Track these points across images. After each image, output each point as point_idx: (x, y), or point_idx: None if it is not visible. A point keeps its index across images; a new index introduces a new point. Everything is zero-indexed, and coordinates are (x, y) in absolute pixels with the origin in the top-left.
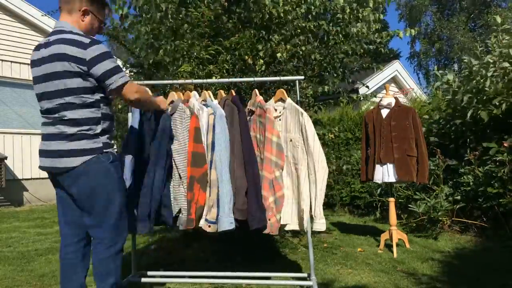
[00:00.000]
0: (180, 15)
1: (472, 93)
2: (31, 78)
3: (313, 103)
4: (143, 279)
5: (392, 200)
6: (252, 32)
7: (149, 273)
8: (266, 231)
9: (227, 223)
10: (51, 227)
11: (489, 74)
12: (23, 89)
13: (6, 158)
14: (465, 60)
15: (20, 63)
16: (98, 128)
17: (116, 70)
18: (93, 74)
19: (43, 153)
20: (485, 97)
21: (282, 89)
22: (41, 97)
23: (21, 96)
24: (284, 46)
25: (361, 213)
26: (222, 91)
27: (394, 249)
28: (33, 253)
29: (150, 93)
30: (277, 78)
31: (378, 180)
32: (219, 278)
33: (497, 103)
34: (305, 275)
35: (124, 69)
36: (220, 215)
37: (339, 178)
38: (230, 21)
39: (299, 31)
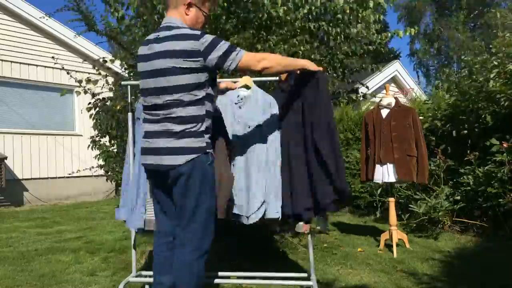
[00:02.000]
0: None
1: (474, 92)
2: (31, 78)
3: None
4: (143, 279)
5: (392, 200)
6: (251, 32)
7: (149, 273)
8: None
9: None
10: (51, 227)
11: (492, 75)
12: (23, 89)
13: (6, 158)
14: (465, 59)
15: (20, 63)
16: (203, 126)
17: (230, 50)
18: (209, 64)
19: (147, 151)
20: (488, 96)
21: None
22: (148, 92)
23: (21, 96)
24: (283, 46)
25: (361, 213)
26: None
27: (394, 249)
28: (33, 253)
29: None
30: (276, 78)
31: (378, 180)
32: (219, 278)
33: (503, 101)
34: (305, 275)
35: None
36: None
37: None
38: (229, 21)
39: (299, 31)
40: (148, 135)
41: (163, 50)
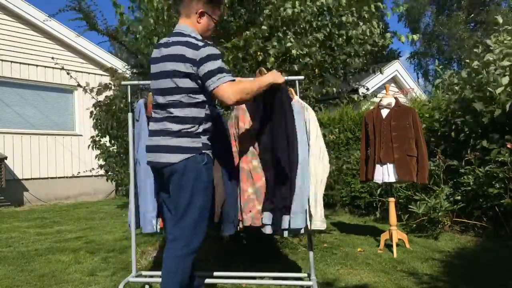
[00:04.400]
0: None
1: (474, 92)
2: (31, 78)
3: (313, 103)
4: (143, 279)
5: (392, 200)
6: (263, 28)
7: (149, 273)
8: (246, 224)
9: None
10: (51, 227)
11: (491, 76)
12: (23, 89)
13: (6, 158)
14: (466, 61)
15: (20, 63)
16: (200, 128)
17: (217, 71)
18: (199, 75)
19: (149, 149)
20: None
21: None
22: (155, 92)
23: (21, 96)
24: (297, 43)
25: (361, 213)
26: None
27: (394, 249)
28: (33, 253)
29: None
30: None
31: (378, 180)
32: (219, 278)
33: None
34: (305, 275)
35: (226, 71)
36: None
37: (339, 178)
38: (234, 21)
39: (308, 27)
40: (151, 133)
41: (169, 54)
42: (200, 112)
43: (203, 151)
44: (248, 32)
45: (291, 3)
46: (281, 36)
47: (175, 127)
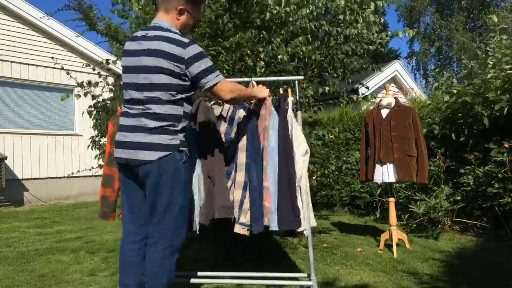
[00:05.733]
0: None
1: (473, 95)
2: (31, 78)
3: (313, 103)
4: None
5: (392, 200)
6: (253, 32)
7: None
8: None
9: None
10: (51, 227)
11: (489, 76)
12: (23, 89)
13: (6, 158)
14: (464, 61)
15: (20, 63)
16: (179, 126)
17: (211, 69)
18: (189, 73)
19: (120, 145)
20: (486, 99)
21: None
22: (129, 86)
23: (21, 96)
24: (285, 48)
25: (361, 213)
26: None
27: (394, 249)
28: (33, 253)
29: (245, 88)
30: (277, 78)
31: (378, 180)
32: (219, 278)
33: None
34: (305, 275)
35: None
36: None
37: (339, 178)
38: (231, 21)
39: (300, 31)
40: (123, 129)
41: (151, 48)
42: (179, 110)
43: (181, 149)
44: (237, 36)
45: (282, 8)
46: (267, 39)
47: (152, 123)
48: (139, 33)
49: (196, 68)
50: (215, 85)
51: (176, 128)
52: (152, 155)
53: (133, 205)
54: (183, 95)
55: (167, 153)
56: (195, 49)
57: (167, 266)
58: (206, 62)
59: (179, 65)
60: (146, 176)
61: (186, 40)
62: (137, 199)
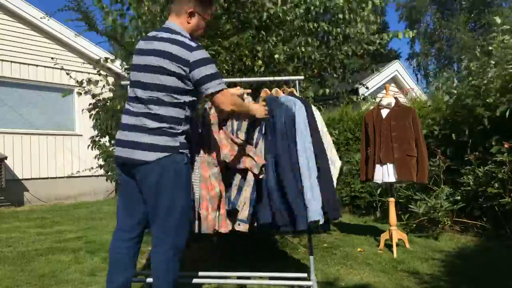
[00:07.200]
0: None
1: (473, 96)
2: (31, 78)
3: (313, 103)
4: (143, 279)
5: (392, 200)
6: (251, 33)
7: (149, 273)
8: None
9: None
10: (51, 227)
11: (490, 75)
12: (23, 89)
13: (6, 158)
14: (464, 62)
15: (20, 63)
16: (179, 129)
17: (214, 76)
18: (192, 76)
19: (120, 143)
20: (486, 100)
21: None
22: (135, 84)
23: (21, 96)
24: (282, 48)
25: (361, 213)
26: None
27: (394, 249)
28: (33, 253)
29: (245, 102)
30: (278, 78)
31: (378, 180)
32: (219, 278)
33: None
34: (305, 275)
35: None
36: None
37: (339, 178)
38: (229, 21)
39: (298, 31)
40: (124, 127)
41: (158, 49)
42: (180, 113)
43: (181, 151)
44: (236, 37)
45: (278, 7)
46: (265, 39)
47: (152, 124)
48: (152, 33)
49: (200, 72)
50: (216, 92)
51: (176, 131)
52: (149, 156)
53: (128, 203)
54: (186, 99)
55: (166, 154)
56: (201, 53)
57: (171, 266)
58: (211, 68)
59: (183, 67)
60: (145, 177)
61: (193, 44)
62: (133, 198)
